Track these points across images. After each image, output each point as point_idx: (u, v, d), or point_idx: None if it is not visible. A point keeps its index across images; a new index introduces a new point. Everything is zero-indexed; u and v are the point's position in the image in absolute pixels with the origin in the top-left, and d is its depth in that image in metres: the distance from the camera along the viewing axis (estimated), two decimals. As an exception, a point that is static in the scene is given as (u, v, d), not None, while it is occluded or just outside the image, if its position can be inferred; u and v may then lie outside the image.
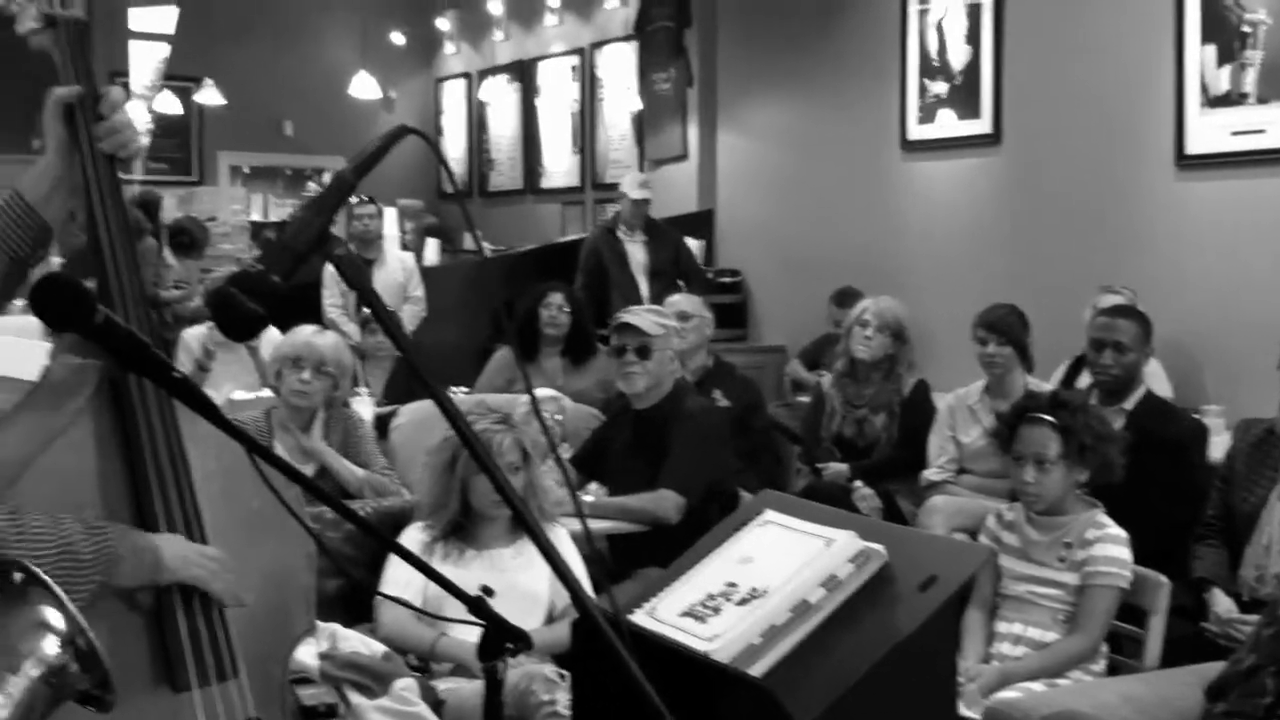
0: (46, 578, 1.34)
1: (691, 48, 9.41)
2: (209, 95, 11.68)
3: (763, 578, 2.25)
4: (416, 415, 5.11)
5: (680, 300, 5.75)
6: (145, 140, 2.52)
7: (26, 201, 1.92)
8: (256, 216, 12.33)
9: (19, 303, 2.02)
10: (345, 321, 7.36)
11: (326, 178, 13.20)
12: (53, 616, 1.32)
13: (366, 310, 6.45)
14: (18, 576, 1.37)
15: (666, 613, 2.28)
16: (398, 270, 7.88)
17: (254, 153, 12.71)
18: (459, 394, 6.06)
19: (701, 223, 9.28)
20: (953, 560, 2.30)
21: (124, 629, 1.75)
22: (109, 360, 1.73)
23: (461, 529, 3.58)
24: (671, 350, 4.51)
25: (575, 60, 10.93)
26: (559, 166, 11.22)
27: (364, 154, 1.48)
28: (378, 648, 3.20)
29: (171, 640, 1.80)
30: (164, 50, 10.15)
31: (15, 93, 11.82)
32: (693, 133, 9.44)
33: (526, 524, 1.62)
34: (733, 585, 2.27)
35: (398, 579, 3.38)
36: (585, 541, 3.46)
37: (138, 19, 10.02)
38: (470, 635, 3.16)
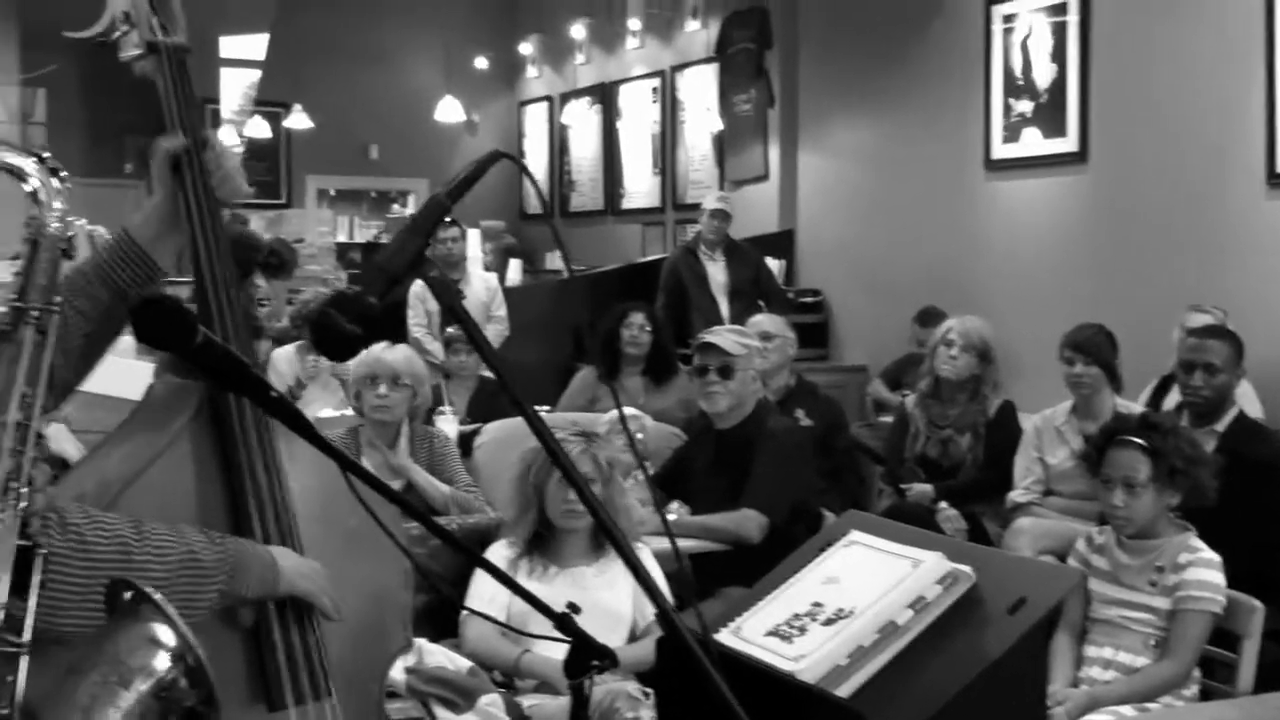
0: (157, 595, 1.37)
1: (772, 69, 9.43)
2: (298, 120, 11.91)
3: (849, 598, 2.25)
4: (500, 433, 5.16)
5: (763, 320, 5.75)
6: (249, 189, 2.59)
7: (136, 242, 1.96)
8: (342, 238, 12.53)
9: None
10: (429, 341, 7.45)
11: (411, 200, 13.40)
12: (163, 633, 1.34)
13: (450, 330, 6.54)
14: (127, 595, 1.41)
15: (752, 632, 2.28)
16: (481, 291, 7.96)
17: (340, 176, 12.92)
18: (540, 413, 6.08)
19: (782, 243, 9.27)
20: (1043, 583, 2.28)
21: (223, 646, 1.78)
22: (211, 381, 1.77)
23: (544, 545, 3.61)
24: (754, 370, 4.51)
25: (656, 83, 10.99)
26: (639, 187, 11.27)
27: (458, 178, 1.51)
28: (463, 663, 3.23)
29: (268, 658, 1.82)
30: (254, 76, 10.37)
31: (109, 119, 12.13)
32: (773, 153, 9.44)
33: (612, 537, 1.63)
34: (819, 605, 2.27)
35: (482, 595, 3.41)
36: (675, 559, 3.46)
37: (229, 46, 10.26)
38: (554, 652, 3.21)
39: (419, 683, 3.07)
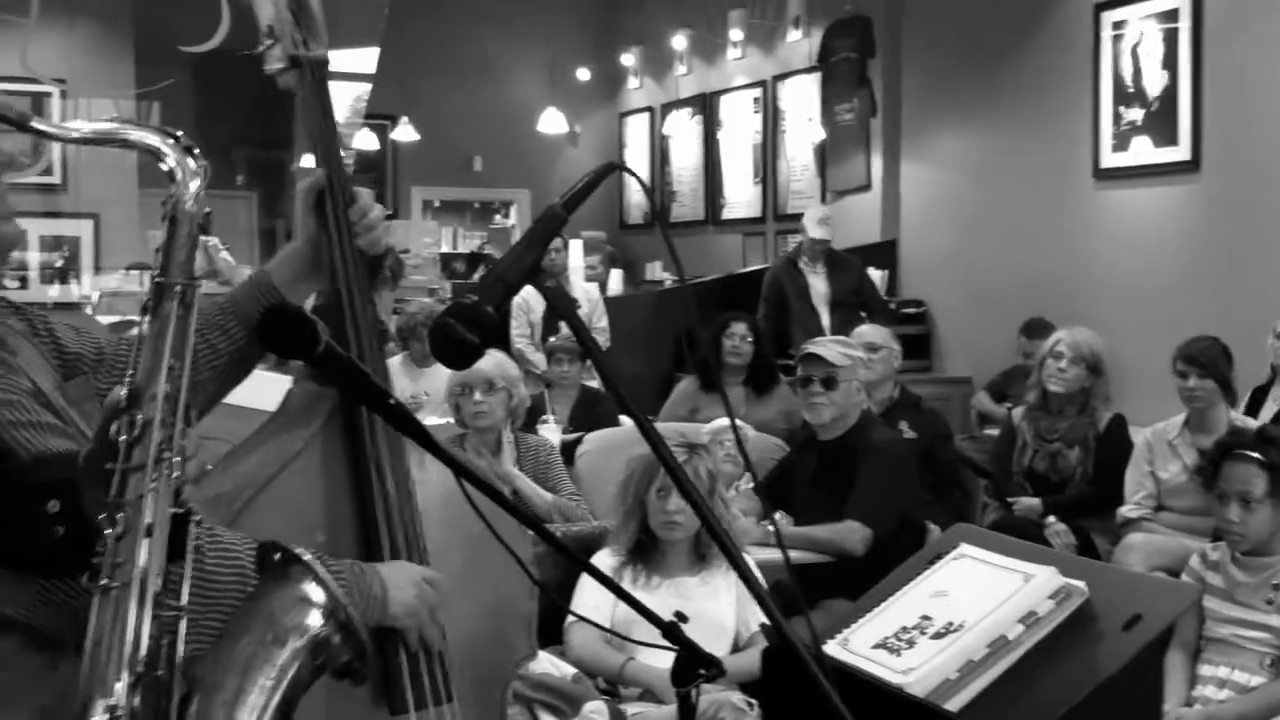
0: (306, 556, 1.40)
1: (875, 78, 9.37)
2: (404, 132, 12.09)
3: (959, 612, 2.23)
4: (602, 443, 5.19)
5: (869, 331, 5.71)
6: (390, 241, 2.63)
7: (274, 285, 1.99)
8: (446, 248, 12.69)
9: None
10: (531, 351, 7.52)
11: (513, 211, 13.53)
12: (313, 591, 1.38)
13: (552, 339, 6.60)
14: (277, 556, 1.45)
15: (859, 644, 2.28)
16: (582, 302, 8.01)
17: (444, 187, 13.10)
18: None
19: (884, 253, 9.20)
20: (1158, 599, 2.24)
21: None
22: (337, 389, 1.81)
23: (647, 555, 3.62)
24: (857, 381, 4.49)
25: (757, 93, 10.98)
26: (740, 197, 11.27)
27: (573, 190, 1.53)
28: (568, 670, 3.25)
29: (391, 662, 1.84)
30: (363, 89, 10.55)
31: (220, 131, 12.40)
32: (876, 163, 9.38)
33: (724, 546, 1.64)
34: (927, 619, 2.26)
35: (587, 604, 3.44)
36: (784, 569, 3.45)
37: (340, 60, 10.44)
38: (657, 661, 3.23)
39: (525, 689, 3.10)
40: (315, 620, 1.38)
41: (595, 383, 6.66)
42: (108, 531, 1.33)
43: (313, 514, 1.88)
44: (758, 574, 3.57)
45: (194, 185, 1.45)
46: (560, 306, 1.50)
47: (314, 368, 1.70)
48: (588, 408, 6.06)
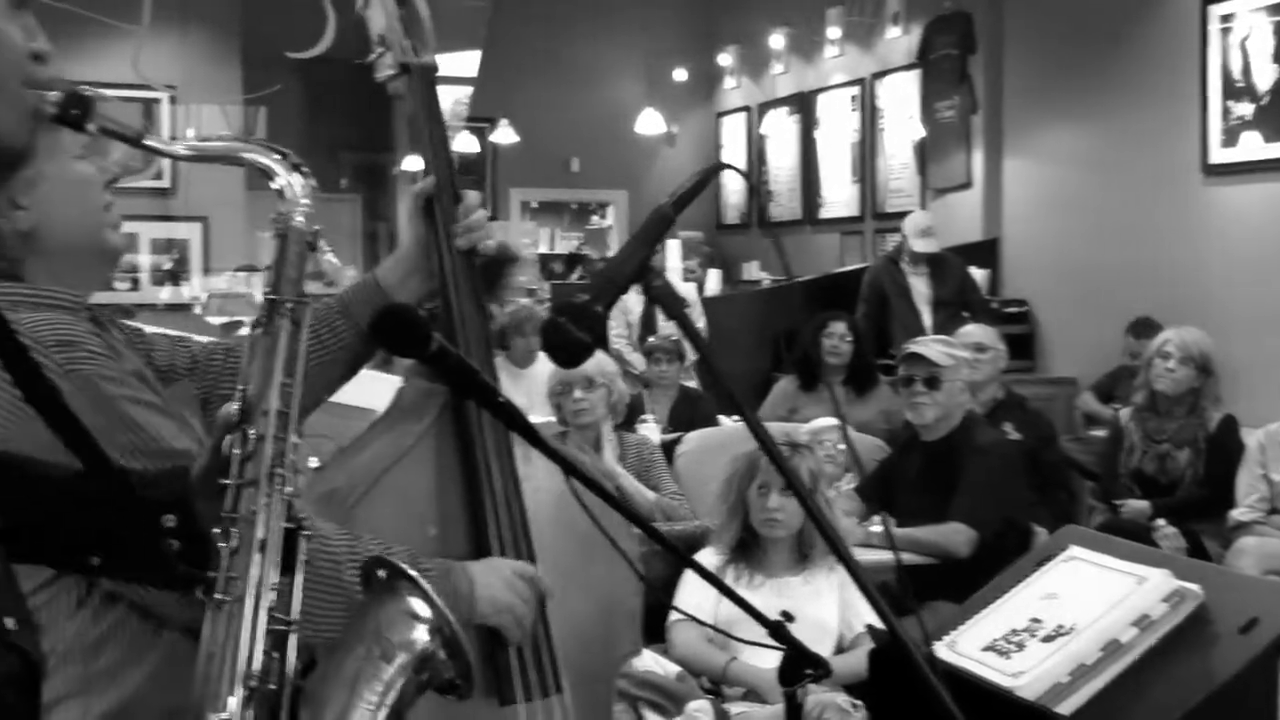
0: (413, 571, 1.42)
1: (976, 74, 9.25)
2: (503, 134, 12.20)
3: (1069, 615, 2.19)
4: (701, 443, 5.20)
5: (975, 331, 5.65)
6: (493, 243, 2.68)
7: (381, 285, 2.04)
8: (544, 249, 12.77)
9: None
10: (629, 351, 7.54)
11: (610, 212, 13.59)
12: (419, 607, 1.39)
13: (651, 339, 6.62)
14: (382, 573, 1.47)
15: (968, 646, 2.25)
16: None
17: (542, 188, 13.19)
18: (740, 423, 6.11)
19: (986, 252, 9.08)
20: (1275, 603, 2.19)
21: None
22: (449, 386, 1.84)
23: (750, 554, 3.62)
24: (961, 381, 4.44)
25: (855, 91, 10.90)
26: (838, 196, 11.20)
27: (682, 190, 1.53)
28: (671, 668, 3.26)
29: (500, 654, 1.88)
30: (465, 93, 10.66)
31: (325, 136, 12.60)
32: (977, 160, 9.27)
33: (830, 540, 1.63)
34: (1037, 621, 2.23)
35: (689, 602, 3.44)
36: (888, 570, 3.43)
37: (442, 64, 10.54)
38: (761, 660, 3.22)
39: (630, 686, 3.11)
40: (422, 636, 1.38)
41: (693, 382, 6.67)
42: (221, 546, 1.36)
43: (424, 508, 1.91)
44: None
45: (303, 203, 1.48)
46: (669, 305, 1.51)
47: (426, 365, 1.73)
48: (686, 407, 6.07)
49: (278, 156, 1.49)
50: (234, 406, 1.41)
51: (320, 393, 2.02)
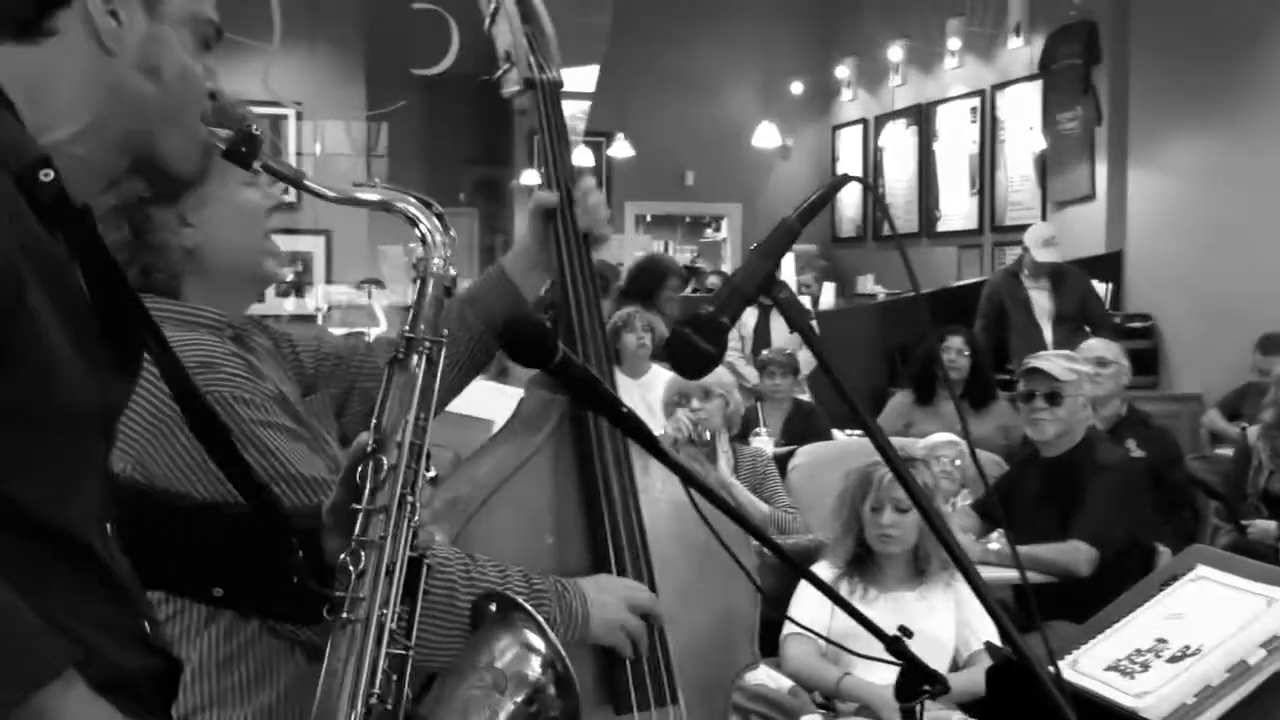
0: (527, 605, 1.45)
1: (1100, 85, 9.09)
2: (620, 148, 12.28)
3: (1196, 635, 2.15)
4: (814, 457, 5.18)
5: (1098, 345, 5.55)
6: (609, 230, 2.75)
7: (508, 276, 2.12)
8: (658, 262, 12.80)
9: None
10: (743, 364, 7.53)
11: (724, 225, 13.60)
12: (535, 640, 1.41)
13: (765, 352, 6.61)
14: (493, 606, 1.50)
15: (1090, 665, 2.21)
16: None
17: (656, 201, 13.25)
18: (854, 437, 6.09)
19: (1108, 265, 8.91)
20: None
21: (574, 649, 1.87)
22: (571, 396, 1.88)
23: (864, 569, 3.60)
24: (1083, 397, 4.37)
25: (975, 102, 10.77)
26: (956, 209, 11.07)
27: (807, 202, 1.54)
28: (784, 682, 3.26)
29: (616, 664, 1.90)
30: (583, 107, 10.76)
31: (446, 151, 12.81)
32: (1100, 172, 9.10)
33: (955, 556, 1.62)
34: (1163, 641, 2.18)
35: (802, 617, 3.43)
36: (1011, 586, 3.39)
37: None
38: (876, 676, 3.20)
39: (742, 699, 3.12)
40: (535, 669, 1.40)
41: (807, 396, 6.65)
42: (349, 568, 1.40)
43: (542, 517, 1.94)
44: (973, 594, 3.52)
45: (444, 252, 1.54)
46: (794, 317, 1.52)
47: (551, 376, 1.76)
48: (800, 421, 6.06)
49: (422, 205, 1.56)
50: (368, 436, 1.45)
51: (454, 385, 2.07)
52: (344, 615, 1.38)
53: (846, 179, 1.57)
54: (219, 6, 1.43)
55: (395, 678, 1.39)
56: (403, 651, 1.40)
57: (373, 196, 1.58)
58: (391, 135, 11.75)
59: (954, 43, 10.88)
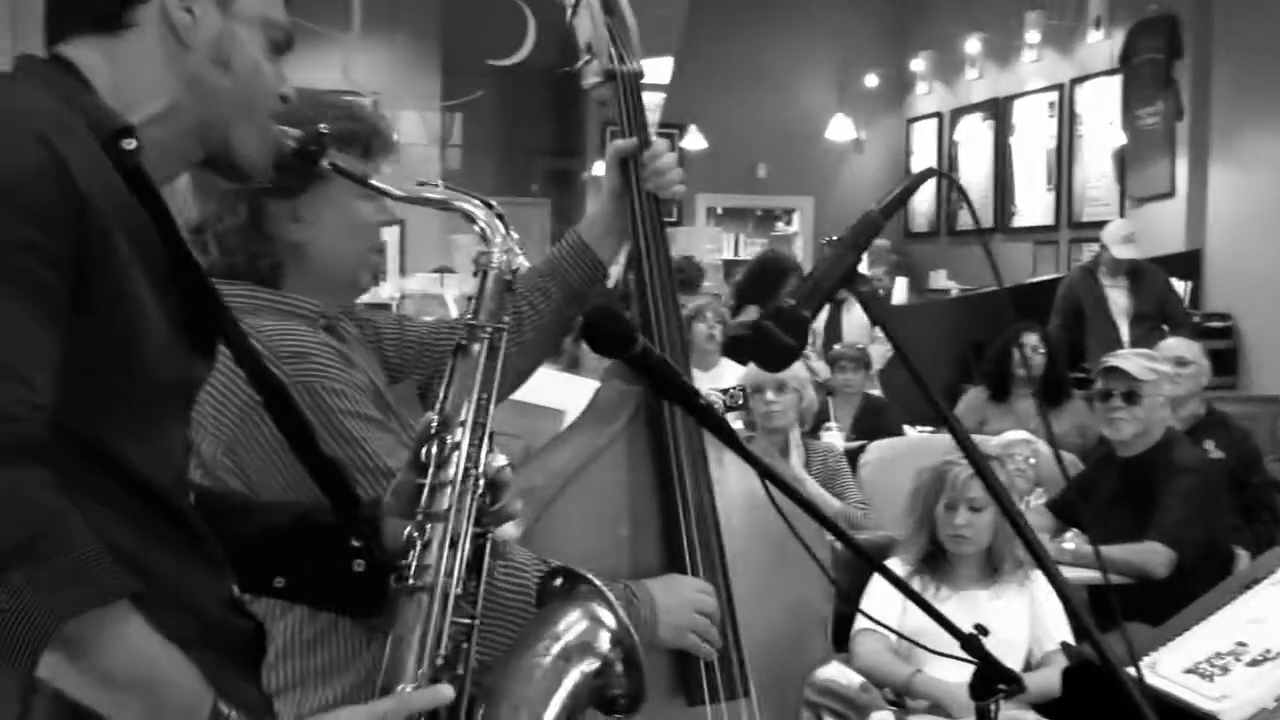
0: (595, 579, 1.46)
1: (1182, 79, 8.95)
2: (693, 140, 12.26)
3: (1276, 639, 2.12)
4: (885, 452, 5.15)
5: (1177, 345, 5.46)
6: (682, 187, 2.74)
7: (584, 241, 2.13)
8: (728, 255, 12.79)
9: None
10: (814, 358, 7.50)
11: (796, 218, 13.53)
12: (604, 615, 1.42)
13: (837, 347, 6.58)
14: (558, 581, 1.51)
15: (1168, 668, 2.19)
16: (864, 311, 7.93)
17: (728, 194, 13.20)
18: (925, 433, 6.04)
19: (1188, 263, 8.77)
20: None
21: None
22: (648, 387, 1.88)
23: (936, 566, 3.58)
24: (1162, 397, 4.31)
25: (1053, 96, 10.64)
26: (1032, 205, 10.95)
27: (891, 196, 1.54)
28: (854, 678, 3.25)
29: (689, 656, 1.90)
30: (658, 99, 10.76)
31: (520, 142, 12.87)
32: (1181, 168, 8.95)
33: (1037, 555, 1.61)
34: (1243, 645, 2.16)
35: (872, 612, 3.41)
36: (1085, 588, 3.35)
37: (635, 70, 10.67)
38: (948, 674, 3.18)
39: (812, 694, 3.11)
40: (604, 643, 1.42)
41: (878, 391, 6.61)
42: (415, 537, 1.42)
43: (617, 507, 1.95)
44: (1050, 593, 3.49)
45: (504, 247, 1.58)
46: (875, 311, 1.52)
47: (629, 366, 1.77)
48: (871, 416, 6.03)
49: (482, 204, 1.60)
50: (433, 416, 1.48)
51: (537, 356, 2.12)
52: (409, 582, 1.40)
53: (931, 173, 1.56)
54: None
55: (463, 645, 1.42)
56: (469, 621, 1.41)
57: (435, 195, 1.62)
58: (465, 125, 11.83)
59: (1032, 36, 10.75)
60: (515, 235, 1.61)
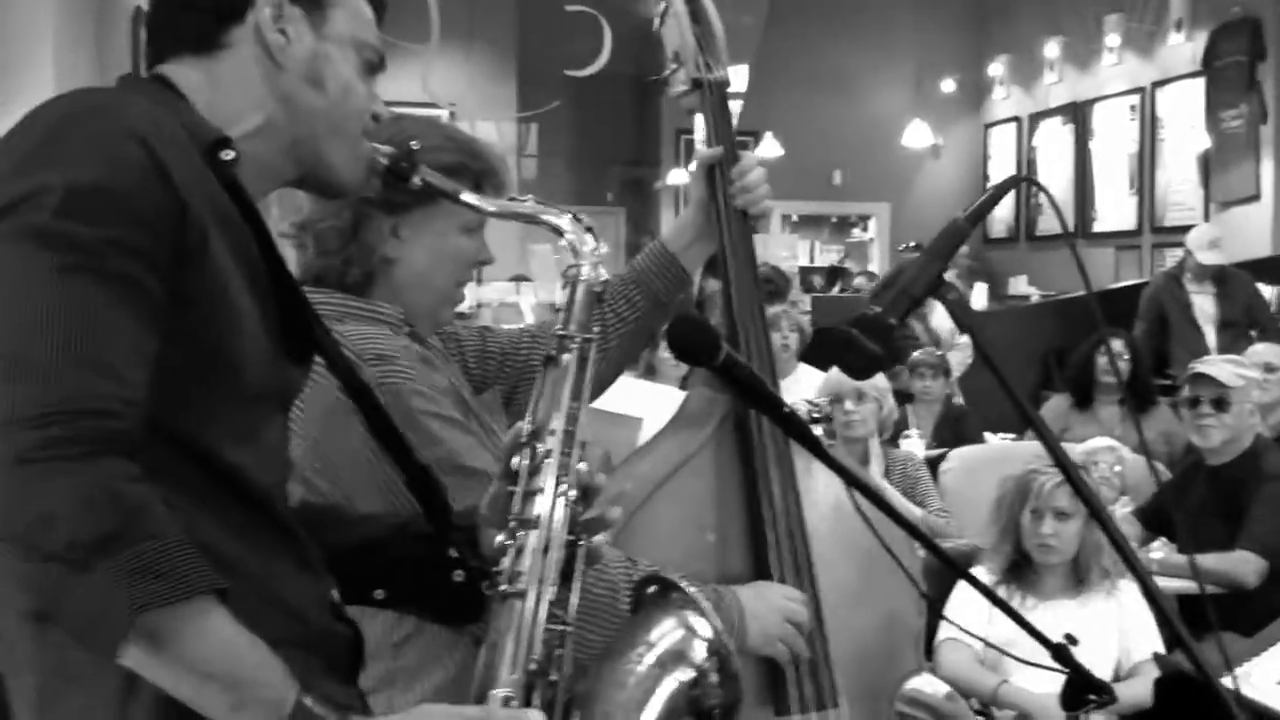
0: (690, 588, 1.46)
1: (1266, 81, 8.79)
2: (768, 147, 12.23)
3: (1377, 652, 2.08)
4: (967, 460, 5.10)
5: (1265, 350, 5.36)
6: (770, 204, 2.74)
7: (669, 251, 2.15)
8: (803, 262, 12.75)
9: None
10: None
11: (872, 224, 13.46)
12: (699, 625, 1.42)
13: (915, 354, 6.53)
14: (651, 589, 1.52)
15: (1262, 680, 2.16)
16: (945, 317, 7.88)
17: (803, 201, 13.17)
18: (1006, 440, 5.97)
19: (1275, 268, 8.59)
20: None
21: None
22: (735, 396, 1.89)
23: (1022, 576, 3.54)
24: (1251, 403, 4.23)
25: (1135, 100, 10.49)
26: (1113, 209, 10.79)
27: (979, 203, 1.53)
28: (941, 688, 3.22)
29: (777, 665, 1.90)
30: (735, 106, 10.74)
31: (594, 151, 12.92)
32: (1267, 171, 8.79)
33: (1130, 561, 1.59)
34: (1341, 657, 2.11)
35: (958, 621, 3.39)
36: (1177, 598, 3.30)
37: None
38: (1035, 684, 3.14)
39: (899, 704, 3.08)
40: (699, 652, 1.41)
41: (959, 398, 6.54)
42: (508, 544, 1.43)
43: (704, 514, 1.95)
44: (1140, 603, 3.44)
45: (593, 259, 1.58)
46: (963, 318, 1.51)
47: (714, 375, 1.77)
48: (951, 424, 5.97)
49: (569, 217, 1.61)
50: (524, 425, 1.49)
51: (621, 361, 2.14)
52: (503, 589, 1.41)
53: (1018, 179, 1.55)
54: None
55: (556, 651, 1.42)
56: (561, 627, 1.42)
57: (524, 210, 1.63)
58: (541, 135, 11.89)
59: (1112, 39, 10.61)
60: (604, 248, 1.62)
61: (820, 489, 1.99)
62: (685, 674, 1.40)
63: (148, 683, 1.19)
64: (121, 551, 1.12)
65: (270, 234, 1.38)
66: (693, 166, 2.15)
